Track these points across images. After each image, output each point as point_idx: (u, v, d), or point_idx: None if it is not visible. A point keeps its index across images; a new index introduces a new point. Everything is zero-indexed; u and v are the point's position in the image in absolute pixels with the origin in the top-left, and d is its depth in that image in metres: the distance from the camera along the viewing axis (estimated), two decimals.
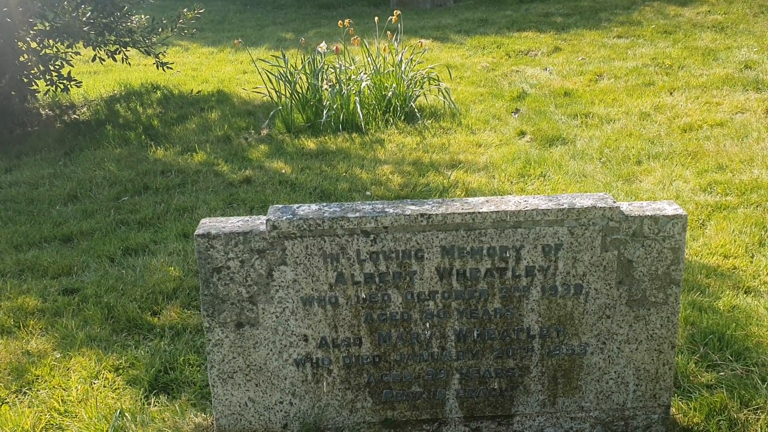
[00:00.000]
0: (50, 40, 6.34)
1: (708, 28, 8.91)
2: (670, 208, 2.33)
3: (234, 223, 2.32)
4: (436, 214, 2.26)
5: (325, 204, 2.36)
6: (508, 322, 2.37)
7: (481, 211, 2.27)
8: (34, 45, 6.23)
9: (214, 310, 2.33)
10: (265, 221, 2.29)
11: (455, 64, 8.06)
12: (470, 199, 2.36)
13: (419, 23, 10.42)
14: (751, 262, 3.63)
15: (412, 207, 2.31)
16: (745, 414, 2.56)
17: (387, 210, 2.29)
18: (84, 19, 6.07)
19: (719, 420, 2.53)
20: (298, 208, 2.33)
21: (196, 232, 2.26)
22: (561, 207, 2.27)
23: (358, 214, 2.27)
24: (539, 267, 2.31)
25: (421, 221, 2.27)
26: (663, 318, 2.39)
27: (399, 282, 2.33)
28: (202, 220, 2.34)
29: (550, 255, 2.30)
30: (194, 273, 3.72)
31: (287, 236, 2.26)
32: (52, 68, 6.28)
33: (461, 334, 2.39)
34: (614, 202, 2.30)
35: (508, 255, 2.30)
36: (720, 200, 4.32)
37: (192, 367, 2.98)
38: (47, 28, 6.07)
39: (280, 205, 2.36)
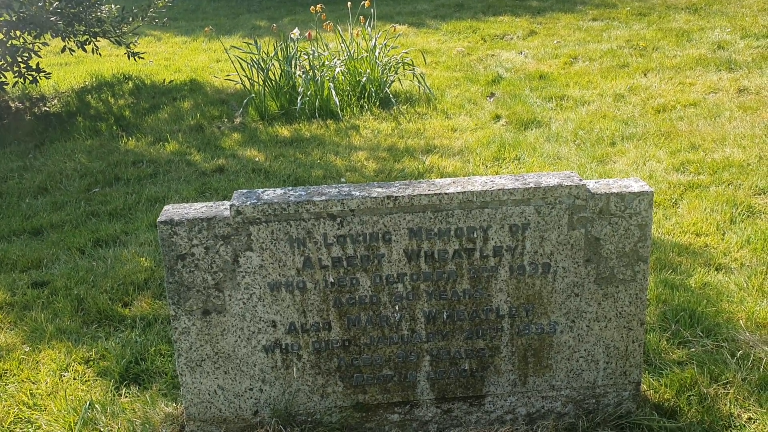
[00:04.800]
0: (17, 31, 6.22)
1: (682, 9, 8.94)
2: (636, 185, 2.32)
3: (197, 209, 2.28)
4: (403, 196, 2.24)
5: (290, 188, 2.33)
6: (477, 302, 2.36)
7: (447, 192, 2.25)
8: (0, 36, 6.11)
9: (180, 298, 2.30)
10: (229, 206, 2.25)
11: (431, 49, 8.03)
12: (437, 181, 2.34)
13: (395, 9, 10.37)
14: (722, 239, 3.65)
15: (379, 189, 2.28)
16: (714, 389, 2.58)
17: (353, 193, 2.27)
18: (51, 9, 5.96)
19: (689, 395, 2.55)
20: (262, 192, 2.30)
21: (158, 219, 2.22)
22: (527, 186, 2.26)
23: (324, 198, 2.24)
24: (507, 247, 2.30)
25: (388, 203, 2.25)
26: (631, 295, 2.39)
27: (367, 265, 2.31)
28: (165, 207, 2.31)
29: (517, 234, 2.29)
30: None
31: (252, 221, 2.23)
32: (20, 59, 6.17)
33: (431, 316, 2.38)
34: (580, 180, 2.29)
35: (475, 235, 2.29)
36: (692, 179, 4.34)
37: (163, 358, 2.95)
38: (13, 19, 5.95)
39: (245, 190, 2.32)
